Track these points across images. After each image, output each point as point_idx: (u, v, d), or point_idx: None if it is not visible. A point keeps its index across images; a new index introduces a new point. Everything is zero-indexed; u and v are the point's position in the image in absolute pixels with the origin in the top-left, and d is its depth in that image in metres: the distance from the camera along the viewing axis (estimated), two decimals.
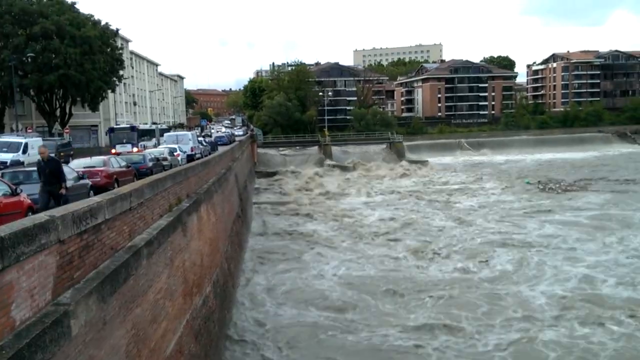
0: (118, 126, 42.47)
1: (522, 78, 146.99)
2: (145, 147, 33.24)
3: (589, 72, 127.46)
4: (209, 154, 36.45)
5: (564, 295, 21.78)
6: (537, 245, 29.69)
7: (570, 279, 23.79)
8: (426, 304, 21.24)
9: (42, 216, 7.03)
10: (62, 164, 16.73)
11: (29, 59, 42.58)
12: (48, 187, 12.25)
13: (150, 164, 22.90)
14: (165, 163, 24.93)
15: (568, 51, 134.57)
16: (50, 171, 12.34)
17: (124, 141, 34.84)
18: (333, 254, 29.23)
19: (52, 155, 24.38)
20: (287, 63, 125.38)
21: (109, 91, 53.93)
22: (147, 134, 39.82)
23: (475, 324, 19.08)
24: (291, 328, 19.03)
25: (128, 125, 42.76)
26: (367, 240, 32.38)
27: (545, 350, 17.01)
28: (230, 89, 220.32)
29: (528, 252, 28.34)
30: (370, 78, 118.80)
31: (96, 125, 61.72)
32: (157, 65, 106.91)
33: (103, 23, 51.26)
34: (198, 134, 52.11)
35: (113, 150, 30.34)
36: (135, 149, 31.24)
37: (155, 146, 34.40)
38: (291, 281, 24.54)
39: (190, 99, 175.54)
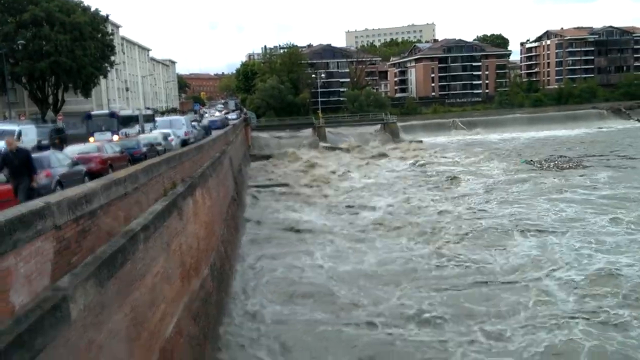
0: (95, 112, 37.28)
1: (515, 56, 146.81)
2: (127, 135, 30.44)
3: (582, 49, 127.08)
4: (203, 138, 36.35)
5: (590, 282, 20.21)
6: (553, 228, 28.09)
7: (594, 264, 22.26)
8: (440, 297, 19.54)
9: (38, 202, 7.08)
10: (55, 151, 16.74)
11: (20, 47, 42.20)
12: (16, 181, 11.24)
13: (144, 149, 22.85)
14: (159, 148, 24.87)
15: (562, 28, 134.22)
16: (20, 162, 11.37)
17: (103, 128, 31.32)
18: (333, 242, 27.82)
19: (46, 142, 24.40)
20: (279, 46, 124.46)
21: (101, 77, 53.63)
22: (129, 120, 36.30)
23: (497, 318, 17.49)
24: (289, 323, 17.89)
25: (106, 112, 38.33)
26: (370, 228, 30.71)
27: (580, 343, 15.63)
28: (223, 72, 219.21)
29: (545, 236, 26.78)
30: (363, 59, 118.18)
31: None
32: (148, 50, 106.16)
33: (92, 9, 50.76)
34: (192, 118, 51.77)
35: (91, 139, 27.15)
36: (115, 137, 28.23)
37: (138, 134, 31.67)
38: (288, 269, 23.45)
39: (183, 83, 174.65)
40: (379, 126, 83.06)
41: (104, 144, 20.42)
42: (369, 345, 16.02)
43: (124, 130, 32.15)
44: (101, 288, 7.87)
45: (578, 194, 36.96)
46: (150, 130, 34.81)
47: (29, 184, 11.36)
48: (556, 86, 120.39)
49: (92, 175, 15.19)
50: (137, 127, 35.07)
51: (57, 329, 6.21)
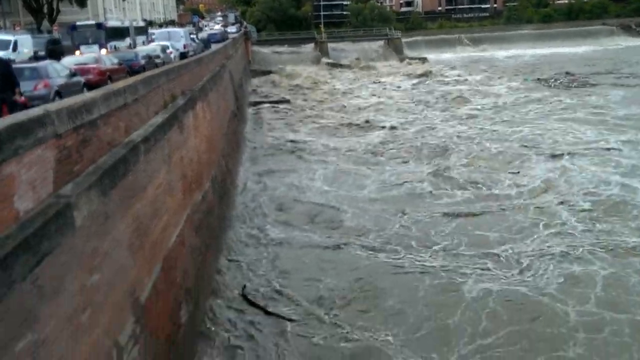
0: (81, 23, 33.73)
1: None
2: (116, 49, 28.45)
3: None
4: (202, 51, 35.65)
5: (605, 208, 19.01)
6: (567, 150, 26.68)
7: (610, 189, 20.97)
8: (450, 222, 18.47)
9: (37, 110, 7.02)
10: (52, 61, 16.42)
11: None
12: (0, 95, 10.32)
13: (143, 61, 22.51)
14: (157, 61, 24.47)
15: None
16: (1, 74, 10.41)
17: (90, 41, 28.89)
18: (336, 163, 26.94)
19: (42, 53, 23.95)
20: None
21: None
22: (119, 32, 33.54)
23: (510, 245, 16.49)
24: (288, 245, 17.31)
25: (93, 22, 34.64)
26: (374, 149, 29.49)
27: (596, 271, 14.71)
28: None
29: (559, 158, 25.44)
30: None
31: None
32: None
33: None
34: (191, 30, 50.52)
35: (77, 52, 25.46)
36: (103, 51, 25.70)
37: (130, 47, 29.96)
38: (289, 188, 22.86)
39: None
40: (382, 42, 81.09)
41: (101, 55, 20.05)
42: (371, 269, 15.40)
43: (112, 43, 30.28)
44: (104, 197, 7.95)
45: (591, 114, 35.69)
46: (143, 43, 33.60)
47: (11, 97, 10.59)
48: (567, 1, 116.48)
49: (91, 86, 15.04)
50: (127, 40, 33.22)
51: (62, 235, 6.32)
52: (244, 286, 14.29)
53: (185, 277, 11.72)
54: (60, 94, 13.08)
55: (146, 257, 9.63)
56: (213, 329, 12.49)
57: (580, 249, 16.03)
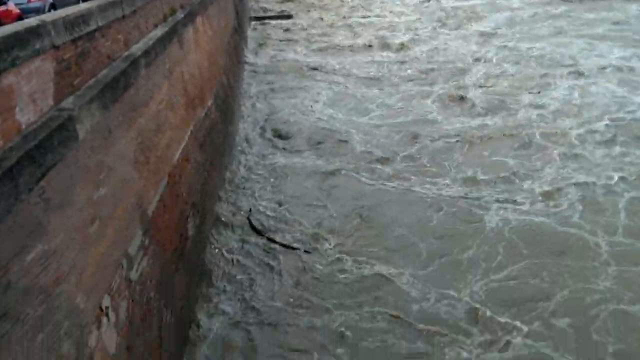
0: None
1: None
2: None
3: None
4: None
5: (627, 133, 18.32)
6: (589, 70, 25.42)
7: (634, 111, 20.20)
8: (467, 151, 17.59)
9: (33, 21, 6.80)
10: None
11: None
12: None
13: None
14: None
15: None
16: None
17: None
18: (343, 84, 25.75)
19: None
20: None
21: None
22: None
23: (532, 173, 15.71)
24: (292, 171, 16.74)
25: None
26: (384, 70, 27.86)
27: (619, 194, 14.28)
28: None
29: (581, 78, 24.36)
30: None
31: None
32: None
33: None
34: None
35: None
36: None
37: None
38: (291, 112, 21.87)
39: None
40: None
41: None
42: (380, 197, 14.72)
43: None
44: (106, 111, 7.86)
45: (611, 30, 33.88)
46: None
47: None
48: None
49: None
50: None
51: (66, 147, 6.29)
52: (250, 210, 14.23)
53: (190, 191, 11.83)
54: (54, 6, 12.70)
55: (151, 171, 9.67)
56: (217, 251, 12.66)
57: (603, 175, 15.37)
